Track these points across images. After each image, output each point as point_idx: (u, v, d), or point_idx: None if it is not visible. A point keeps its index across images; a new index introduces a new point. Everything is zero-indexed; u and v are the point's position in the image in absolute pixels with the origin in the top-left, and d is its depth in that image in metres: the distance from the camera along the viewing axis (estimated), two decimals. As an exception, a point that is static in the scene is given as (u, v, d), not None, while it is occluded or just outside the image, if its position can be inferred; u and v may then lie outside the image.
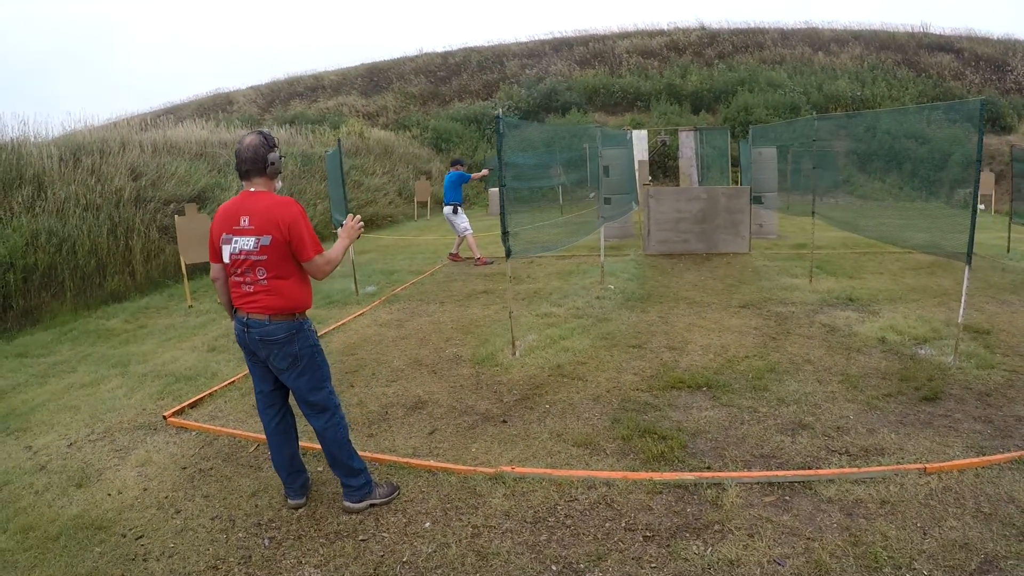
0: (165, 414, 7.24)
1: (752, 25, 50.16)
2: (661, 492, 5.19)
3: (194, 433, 6.87)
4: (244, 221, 4.77)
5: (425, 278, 14.48)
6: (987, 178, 25.86)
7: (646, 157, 25.12)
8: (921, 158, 33.05)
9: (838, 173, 29.58)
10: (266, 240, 4.72)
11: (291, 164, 24.51)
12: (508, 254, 8.58)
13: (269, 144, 4.86)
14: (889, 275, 13.40)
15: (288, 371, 4.99)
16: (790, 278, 13.08)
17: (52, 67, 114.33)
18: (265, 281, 4.81)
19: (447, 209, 16.22)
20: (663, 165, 32.03)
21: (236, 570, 4.53)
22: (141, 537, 4.97)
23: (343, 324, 10.87)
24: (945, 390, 7.20)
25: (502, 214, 8.49)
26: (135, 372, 8.96)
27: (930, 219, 23.63)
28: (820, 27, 49.71)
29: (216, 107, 47.69)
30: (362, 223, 5.37)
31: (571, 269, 14.59)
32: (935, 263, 14.23)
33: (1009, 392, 7.13)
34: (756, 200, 17.49)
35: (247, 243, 4.76)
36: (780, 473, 5.38)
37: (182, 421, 7.12)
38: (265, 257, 4.76)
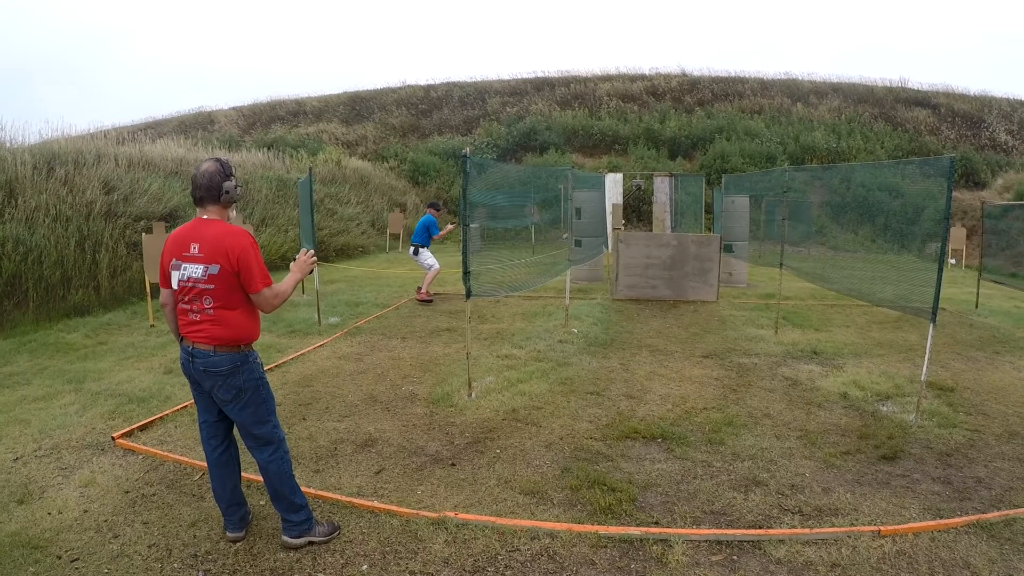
0: (114, 435, 7.14)
1: (732, 74, 50.62)
2: (606, 546, 5.07)
3: (141, 456, 6.76)
4: (194, 248, 4.72)
5: (390, 312, 14.36)
6: (959, 233, 26.10)
7: (620, 201, 25.11)
8: (894, 211, 33.32)
9: (811, 224, 29.72)
10: (214, 269, 4.68)
11: (265, 189, 24.33)
12: (468, 294, 8.51)
13: (225, 172, 4.81)
14: (856, 328, 13.40)
15: (232, 403, 4.90)
16: (756, 329, 13.04)
17: (37, 73, 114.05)
18: (211, 311, 4.75)
19: (410, 249, 16.29)
20: (637, 209, 32.11)
21: (166, 602, 4.38)
22: (76, 560, 4.90)
23: (302, 354, 10.73)
24: (905, 449, 7.15)
25: (464, 253, 8.43)
26: (89, 389, 8.86)
27: (900, 272, 23.79)
28: (800, 78, 50.22)
29: (197, 125, 47.66)
30: (315, 258, 5.34)
31: (537, 310, 14.49)
32: (902, 318, 14.24)
33: (970, 452, 7.10)
34: (727, 249, 17.51)
35: (195, 271, 4.72)
36: (729, 532, 5.28)
37: (130, 443, 7.02)
38: (212, 286, 4.71)
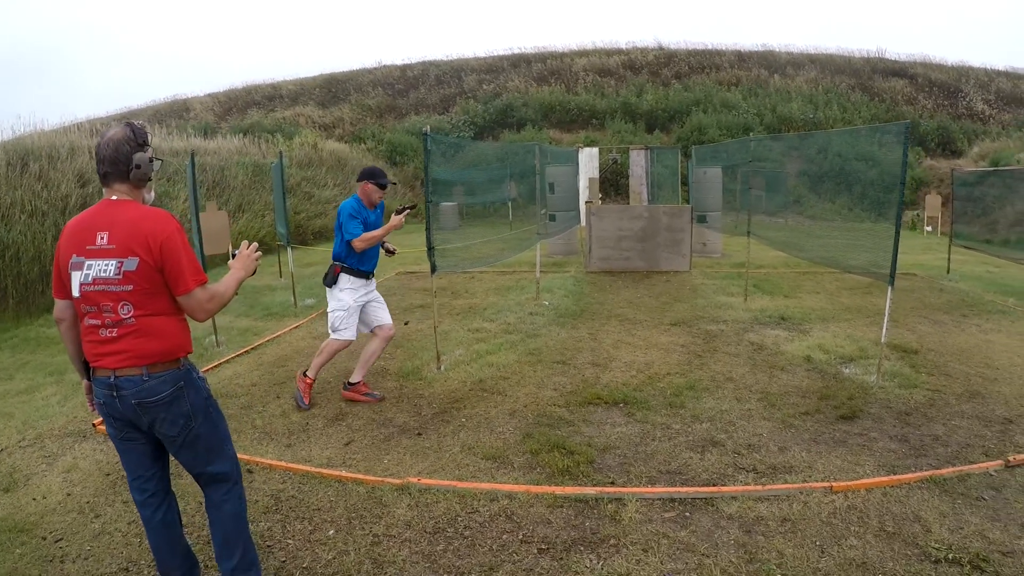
0: (95, 422, 7.20)
1: (710, 46, 50.57)
2: (562, 506, 5.22)
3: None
4: (102, 239, 3.62)
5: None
6: (934, 201, 26.29)
7: (597, 175, 25.21)
8: (871, 180, 33.43)
9: (788, 194, 29.83)
10: (132, 264, 3.59)
11: (241, 174, 24.30)
12: (433, 269, 8.65)
13: (137, 141, 3.73)
14: (826, 294, 13.60)
15: (180, 438, 3.87)
16: (726, 297, 13.25)
17: (8, 69, 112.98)
18: (132, 320, 3.66)
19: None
20: (615, 183, 32.19)
21: (146, 572, 4.54)
22: (60, 540, 4.99)
23: (278, 336, 10.83)
24: (864, 409, 7.28)
25: (427, 229, 8.53)
26: (71, 380, 8.90)
27: (876, 239, 23.82)
28: (777, 50, 50.24)
29: (173, 113, 47.29)
30: (259, 252, 4.22)
31: (510, 285, 14.66)
32: (873, 283, 14.34)
33: (929, 411, 7.23)
34: (701, 219, 17.62)
35: (105, 267, 3.60)
36: (682, 489, 5.43)
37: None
38: (131, 287, 3.62)
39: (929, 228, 26.86)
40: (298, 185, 26.83)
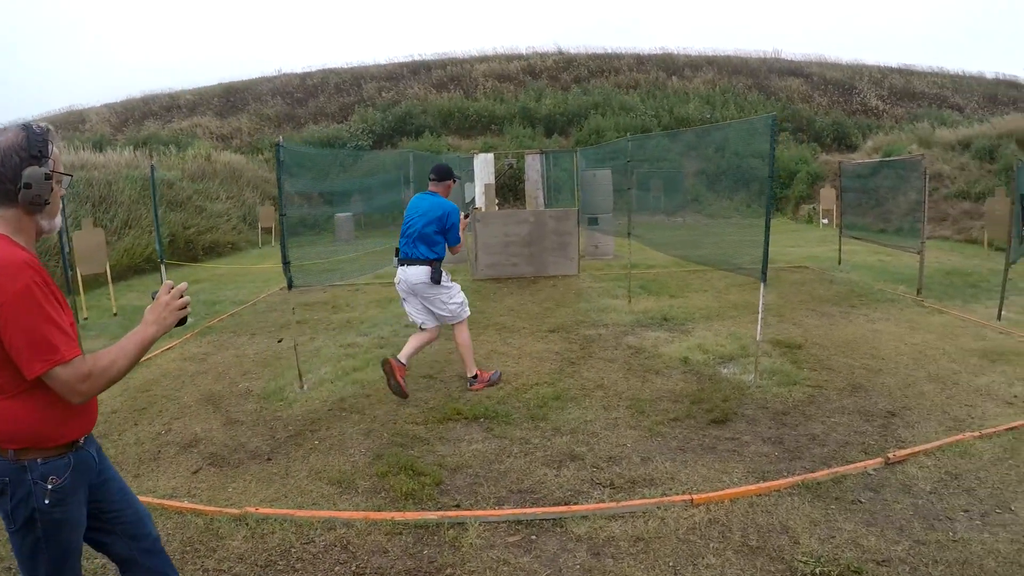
0: None
1: (609, 51, 51.14)
2: (401, 533, 4.98)
3: None
4: None
5: (246, 308, 13.93)
6: (828, 193, 26.74)
7: (492, 180, 25.04)
8: (767, 176, 33.82)
9: (686, 193, 30.05)
10: None
11: (129, 189, 23.54)
12: (290, 285, 8.38)
13: (31, 151, 2.80)
14: (714, 292, 13.63)
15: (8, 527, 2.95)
16: (611, 299, 13.15)
17: None
18: None
19: (421, 273, 8.07)
20: (514, 188, 32.05)
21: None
22: None
23: (148, 359, 10.39)
24: (738, 411, 7.19)
25: (283, 243, 8.24)
26: None
27: (773, 234, 24.13)
28: (675, 53, 51.01)
29: (68, 125, 45.90)
30: (186, 299, 3.09)
31: (394, 296, 14.10)
32: (763, 278, 14.46)
33: (808, 409, 7.18)
34: (593, 222, 17.52)
35: None
36: (528, 510, 5.22)
37: None
38: None
39: (825, 221, 27.44)
40: (189, 199, 26.07)
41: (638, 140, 14.56)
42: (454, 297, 8.05)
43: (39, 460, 2.83)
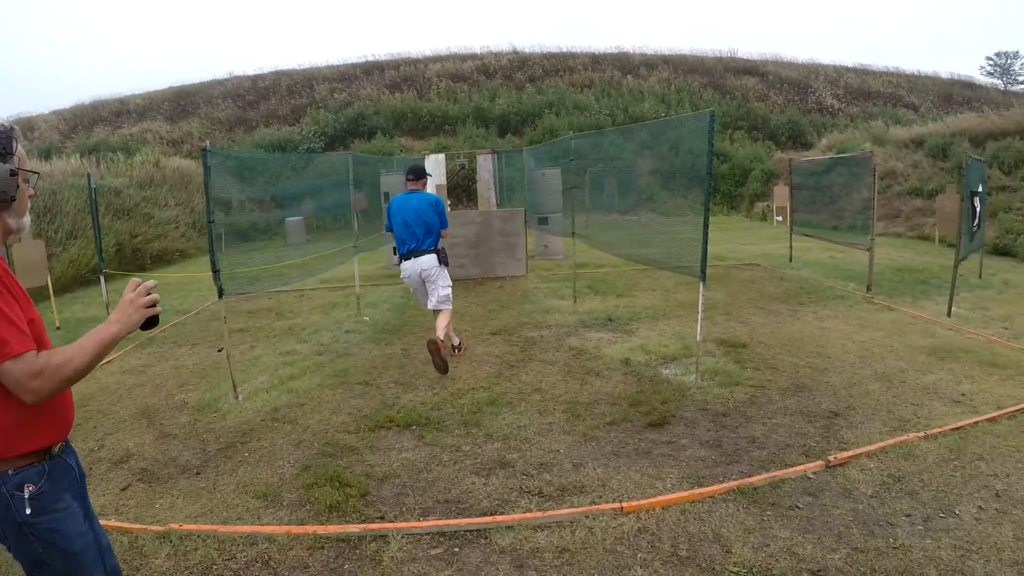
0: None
1: (564, 50, 51.02)
2: (323, 547, 4.89)
3: None
4: None
5: (189, 318, 13.66)
6: (782, 191, 26.82)
7: (444, 181, 24.95)
8: (722, 174, 34.08)
9: (640, 192, 30.07)
10: None
11: (74, 198, 23.17)
12: (220, 293, 8.25)
13: None
14: (662, 291, 13.59)
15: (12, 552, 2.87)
16: (556, 300, 13.08)
17: None
18: None
19: (423, 263, 9.37)
20: (467, 188, 31.92)
21: None
22: None
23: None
24: (677, 413, 7.11)
25: (211, 250, 8.10)
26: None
27: (728, 232, 24.31)
28: (631, 52, 51.06)
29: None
30: (153, 296, 2.93)
31: (338, 301, 14.09)
32: (712, 276, 14.43)
33: (749, 410, 7.12)
34: (543, 222, 17.44)
35: None
36: (452, 521, 5.14)
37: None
38: None
39: (779, 218, 27.46)
40: (136, 206, 25.65)
41: (580, 138, 14.46)
42: (448, 282, 9.41)
43: (9, 472, 2.72)
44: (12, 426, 2.69)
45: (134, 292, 2.86)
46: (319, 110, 42.63)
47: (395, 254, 9.80)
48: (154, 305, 2.91)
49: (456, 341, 9.79)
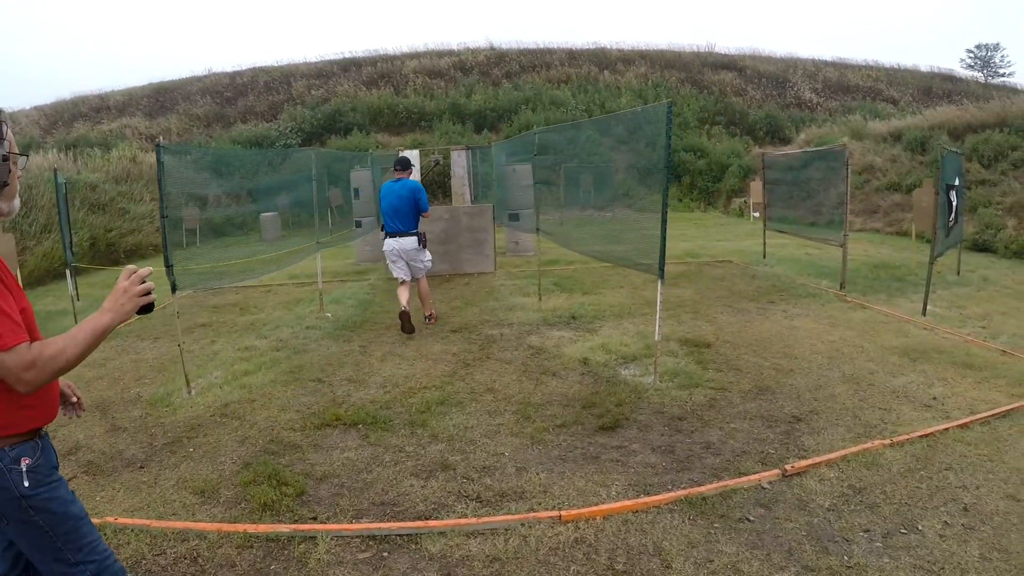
0: None
1: (541, 45, 51.07)
2: (252, 546, 4.84)
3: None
4: None
5: (158, 310, 13.48)
6: (758, 187, 26.72)
7: (418, 177, 24.89)
8: (700, 170, 34.11)
9: (616, 188, 30.05)
10: None
11: (49, 193, 23.03)
12: (173, 288, 8.26)
13: None
14: (630, 288, 13.51)
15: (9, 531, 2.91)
16: (522, 297, 13.02)
17: None
18: None
19: (408, 242, 11.07)
20: (442, 184, 31.82)
21: None
22: None
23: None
24: (631, 416, 6.97)
25: (164, 245, 8.08)
26: None
27: (704, 228, 24.31)
28: (608, 47, 51.16)
29: (-4, 129, 45.09)
30: (148, 284, 2.97)
31: (302, 297, 14.05)
32: (681, 274, 14.45)
33: (707, 414, 6.97)
34: (513, 218, 17.38)
35: None
36: (382, 525, 5.06)
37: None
38: None
39: (756, 214, 27.34)
40: (112, 201, 25.59)
41: (546, 132, 14.39)
42: (427, 257, 11.33)
43: (6, 448, 2.75)
44: (5, 409, 2.72)
45: (128, 280, 2.87)
46: (296, 106, 42.53)
47: (382, 230, 11.53)
48: (148, 293, 2.93)
49: (429, 311, 11.48)
